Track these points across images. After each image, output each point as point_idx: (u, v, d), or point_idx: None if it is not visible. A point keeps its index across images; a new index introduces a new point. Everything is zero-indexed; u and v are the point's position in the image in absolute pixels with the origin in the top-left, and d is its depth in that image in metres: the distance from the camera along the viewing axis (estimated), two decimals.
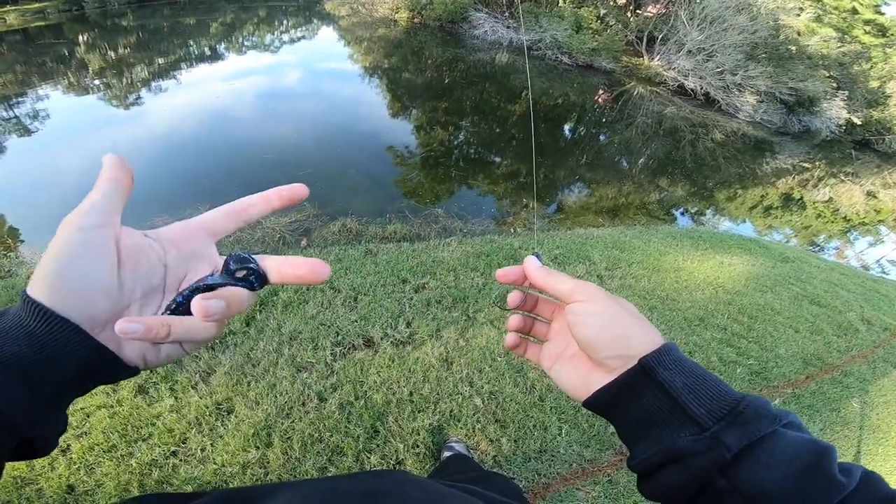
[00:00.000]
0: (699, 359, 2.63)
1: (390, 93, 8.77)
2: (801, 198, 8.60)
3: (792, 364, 2.87)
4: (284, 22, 16.39)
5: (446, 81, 10.01)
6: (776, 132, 12.33)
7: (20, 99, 6.91)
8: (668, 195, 6.68)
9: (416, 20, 14.39)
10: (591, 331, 0.40)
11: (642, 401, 0.38)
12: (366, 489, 0.43)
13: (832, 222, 7.96)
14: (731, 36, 12.18)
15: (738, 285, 3.67)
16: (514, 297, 0.48)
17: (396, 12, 14.75)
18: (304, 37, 14.30)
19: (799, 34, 12.77)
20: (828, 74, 13.11)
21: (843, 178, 10.63)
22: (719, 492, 0.34)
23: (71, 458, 1.57)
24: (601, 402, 0.41)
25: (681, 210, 6.38)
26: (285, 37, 14.05)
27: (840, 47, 13.08)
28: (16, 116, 6.30)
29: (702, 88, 12.58)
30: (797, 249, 5.84)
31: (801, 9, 12.91)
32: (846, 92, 13.21)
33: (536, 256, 0.47)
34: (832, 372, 2.92)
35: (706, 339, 2.83)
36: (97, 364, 0.31)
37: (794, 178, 9.52)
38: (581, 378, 0.43)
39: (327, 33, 15.13)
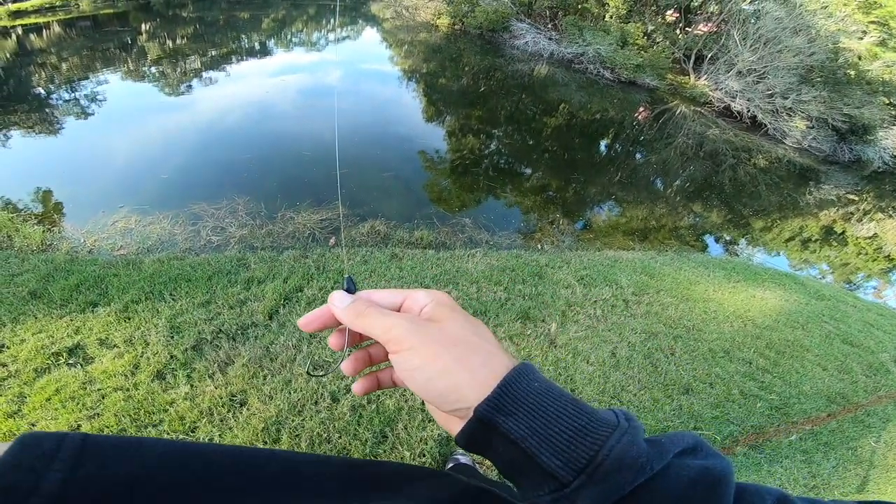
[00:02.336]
0: (719, 391, 2.56)
1: (426, 97, 8.86)
2: (843, 232, 8.16)
3: (815, 401, 2.80)
4: (332, 21, 16.82)
5: (482, 89, 10.02)
6: (824, 160, 11.74)
7: (82, 82, 7.35)
8: (702, 221, 6.48)
9: (456, 27, 14.49)
10: (419, 387, 0.35)
11: (497, 452, 0.33)
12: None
13: (874, 260, 7.51)
14: (786, 58, 11.70)
15: (769, 320, 3.56)
16: (333, 340, 0.41)
17: (438, 18, 14.89)
18: (349, 36, 14.64)
19: (860, 58, 12.13)
20: (888, 101, 12.40)
21: (891, 212, 10.01)
22: None
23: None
24: (468, 449, 0.35)
25: (714, 237, 6.17)
26: (331, 36, 14.42)
27: None
28: (76, 99, 6.70)
29: (749, 111, 12.13)
30: (833, 287, 5.56)
31: (864, 32, 12.26)
32: None
33: (349, 281, 0.40)
34: (855, 411, 2.84)
35: (729, 372, 2.79)
36: None
37: (837, 210, 9.03)
38: (440, 417, 0.38)
39: (371, 34, 15.43)
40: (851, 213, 9.16)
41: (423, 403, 1.99)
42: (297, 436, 1.76)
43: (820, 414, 2.70)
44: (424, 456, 1.79)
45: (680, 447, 0.30)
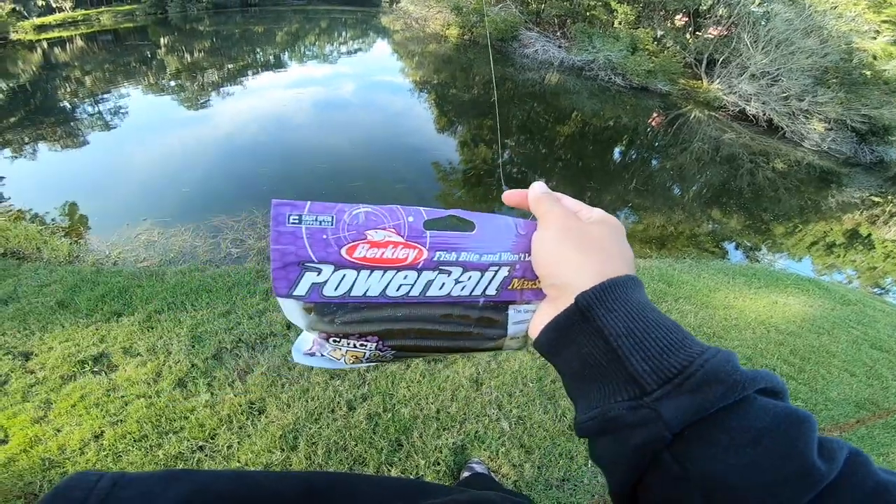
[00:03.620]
0: None
1: (437, 108, 8.94)
2: (869, 235, 7.95)
3: (843, 407, 2.71)
4: (343, 33, 17.14)
5: (493, 99, 10.08)
6: (845, 163, 11.49)
7: (105, 96, 7.59)
8: (721, 227, 6.38)
9: (465, 37, 14.63)
10: (539, 259, 0.36)
11: (581, 349, 0.32)
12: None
13: None
14: (799, 60, 11.54)
15: (793, 326, 3.47)
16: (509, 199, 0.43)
17: (447, 29, 15.06)
18: (360, 49, 14.88)
19: (875, 58, 11.91)
20: None
21: None
22: (670, 476, 0.27)
23: (102, 444, 1.65)
24: (545, 346, 0.35)
25: (734, 244, 6.06)
26: (343, 48, 14.67)
27: None
28: (99, 112, 6.92)
29: (764, 114, 11.97)
30: (860, 292, 5.41)
31: (877, 31, 12.05)
32: None
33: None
34: (886, 417, 2.74)
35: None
36: None
37: (861, 213, 8.81)
38: (536, 313, 0.38)
39: (382, 46, 15.67)
40: (877, 216, 8.93)
41: (437, 412, 1.99)
42: (313, 443, 1.77)
43: (849, 420, 2.61)
44: (439, 464, 1.78)
45: (769, 384, 0.28)
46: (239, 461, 1.66)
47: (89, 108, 7.06)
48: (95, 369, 1.98)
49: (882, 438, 2.55)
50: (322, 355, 0.37)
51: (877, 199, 9.81)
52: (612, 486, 0.31)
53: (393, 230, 0.33)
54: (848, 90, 11.73)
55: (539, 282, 0.38)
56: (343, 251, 0.32)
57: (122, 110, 7.04)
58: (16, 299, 2.42)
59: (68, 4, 13.53)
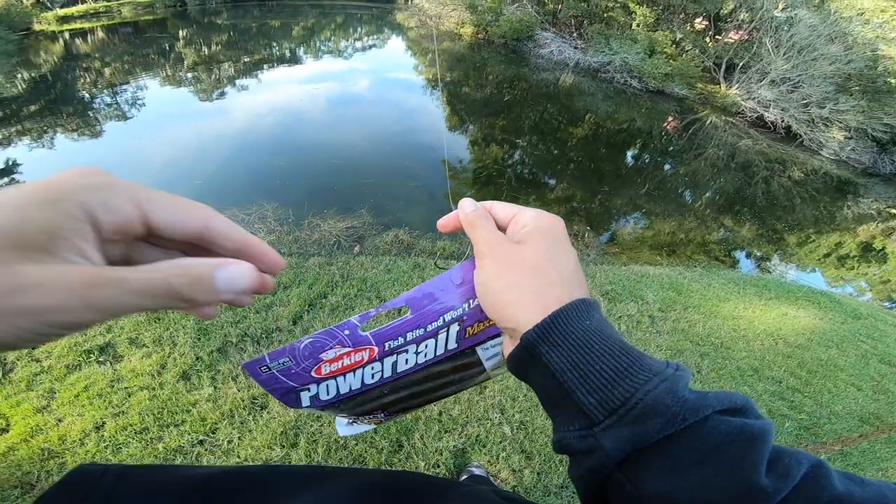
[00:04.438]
0: None
1: (450, 106, 8.92)
2: (884, 248, 7.77)
3: (847, 421, 2.71)
4: (359, 29, 17.18)
5: (506, 99, 10.02)
6: (863, 172, 11.24)
7: (124, 87, 7.70)
8: (733, 235, 6.28)
9: (480, 35, 14.57)
10: (482, 301, 0.36)
11: (536, 381, 0.33)
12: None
13: None
14: (822, 66, 11.30)
15: (802, 339, 3.44)
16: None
17: (462, 27, 15.01)
18: (374, 45, 14.91)
19: None
20: None
21: None
22: (626, 495, 0.28)
23: (103, 434, 1.67)
24: (515, 374, 0.36)
25: (745, 253, 5.97)
26: (358, 44, 14.71)
27: None
28: (117, 103, 7.02)
29: (783, 121, 11.74)
30: (872, 305, 5.32)
31: None
32: None
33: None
34: (888, 431, 2.74)
35: (758, 391, 2.73)
36: None
37: (878, 225, 8.62)
38: (504, 341, 0.40)
39: (396, 43, 15.67)
40: (893, 228, 8.73)
41: (439, 414, 1.99)
42: (314, 441, 1.78)
43: (851, 434, 2.62)
44: (439, 467, 1.79)
45: (725, 405, 0.29)
46: (239, 457, 1.68)
47: (107, 99, 7.17)
48: (101, 359, 2.01)
49: (882, 453, 2.55)
50: (357, 424, 0.49)
51: (894, 212, 9.59)
52: (581, 499, 0.33)
53: (338, 345, 0.39)
54: (871, 98, 11.46)
55: (491, 320, 0.39)
56: (313, 373, 0.40)
57: (140, 101, 7.14)
58: None
59: None
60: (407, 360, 0.41)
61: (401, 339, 0.40)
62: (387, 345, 0.40)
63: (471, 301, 0.39)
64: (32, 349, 2.06)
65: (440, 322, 0.39)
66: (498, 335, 0.41)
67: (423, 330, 0.39)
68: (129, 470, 0.36)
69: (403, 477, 0.53)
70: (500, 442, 1.93)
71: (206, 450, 1.69)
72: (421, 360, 0.41)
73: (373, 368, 0.40)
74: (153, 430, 1.71)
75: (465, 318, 0.40)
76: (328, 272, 2.91)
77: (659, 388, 0.28)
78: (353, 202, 4.29)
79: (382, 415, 0.46)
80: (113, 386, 1.87)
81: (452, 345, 0.40)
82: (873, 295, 6.32)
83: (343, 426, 0.49)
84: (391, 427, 1.87)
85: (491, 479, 1.78)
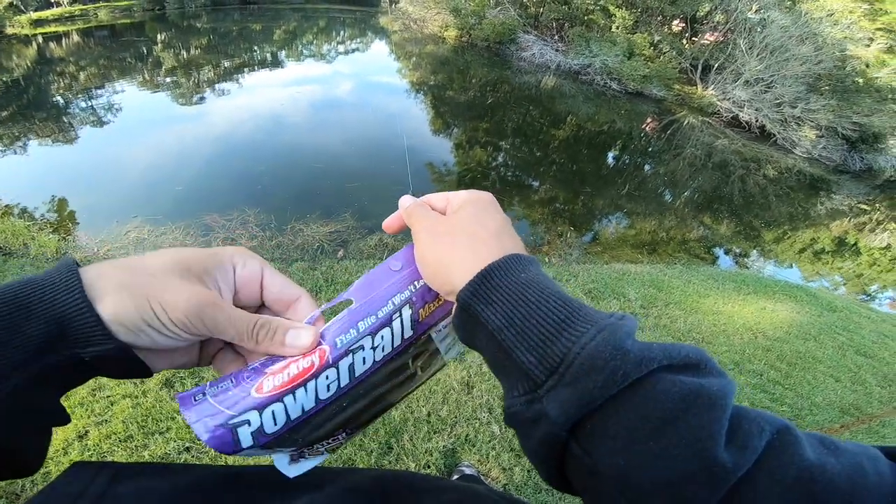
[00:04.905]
0: None
1: (434, 109, 8.95)
2: (856, 243, 8.05)
3: (828, 412, 2.78)
4: (342, 33, 17.11)
5: (489, 102, 10.10)
6: (834, 170, 11.65)
7: (99, 92, 7.53)
8: (711, 233, 6.44)
9: (464, 39, 14.66)
10: (422, 273, 0.36)
11: (482, 346, 0.31)
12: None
13: (889, 271, 7.39)
14: (793, 66, 11.68)
15: (780, 332, 3.53)
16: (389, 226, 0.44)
17: (445, 30, 15.08)
18: (357, 49, 14.86)
19: (868, 66, 12.07)
20: None
21: None
22: (584, 469, 0.25)
23: (87, 444, 1.64)
24: (464, 342, 0.34)
25: (724, 250, 6.13)
26: (341, 48, 14.65)
27: None
28: (92, 108, 6.86)
29: (757, 121, 12.09)
30: (846, 298, 5.50)
31: (871, 39, 12.21)
32: None
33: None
34: (869, 422, 2.81)
35: (739, 384, 2.78)
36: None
37: (849, 220, 8.93)
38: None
39: (380, 47, 15.65)
40: (864, 224, 9.05)
41: (428, 415, 1.99)
42: None
43: (833, 425, 2.67)
44: (430, 467, 1.79)
45: (674, 359, 0.25)
46: (226, 462, 1.66)
47: (82, 104, 7.00)
48: None
49: (865, 443, 2.59)
50: (305, 458, 0.39)
51: (864, 207, 9.95)
52: (540, 475, 0.29)
53: (274, 362, 0.34)
54: (840, 97, 11.89)
55: (440, 298, 0.38)
56: (253, 392, 0.32)
57: (116, 106, 6.98)
58: None
59: None
60: (364, 358, 0.35)
61: (353, 332, 0.35)
62: (338, 341, 0.35)
63: (416, 283, 0.38)
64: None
65: (390, 306, 0.37)
66: (447, 315, 0.39)
67: (374, 317, 0.36)
68: (123, 469, 0.36)
69: (399, 476, 0.53)
70: (490, 441, 1.95)
71: (192, 457, 1.67)
72: (379, 355, 0.36)
73: (327, 378, 0.34)
74: (138, 438, 1.69)
75: (414, 299, 0.37)
76: (312, 277, 2.89)
77: (596, 340, 0.25)
78: (336, 206, 4.27)
79: (343, 435, 0.38)
80: (94, 395, 1.83)
81: (409, 332, 0.37)
82: (847, 288, 6.54)
83: (285, 465, 0.37)
84: (380, 429, 1.88)
85: (482, 478, 1.80)
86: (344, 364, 0.35)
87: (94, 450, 1.62)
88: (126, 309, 0.28)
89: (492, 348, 0.29)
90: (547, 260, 4.29)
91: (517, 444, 1.96)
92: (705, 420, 0.23)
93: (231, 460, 1.66)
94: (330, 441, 0.37)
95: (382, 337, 0.36)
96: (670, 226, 6.12)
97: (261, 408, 0.32)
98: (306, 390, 0.34)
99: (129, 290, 0.28)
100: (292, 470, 0.38)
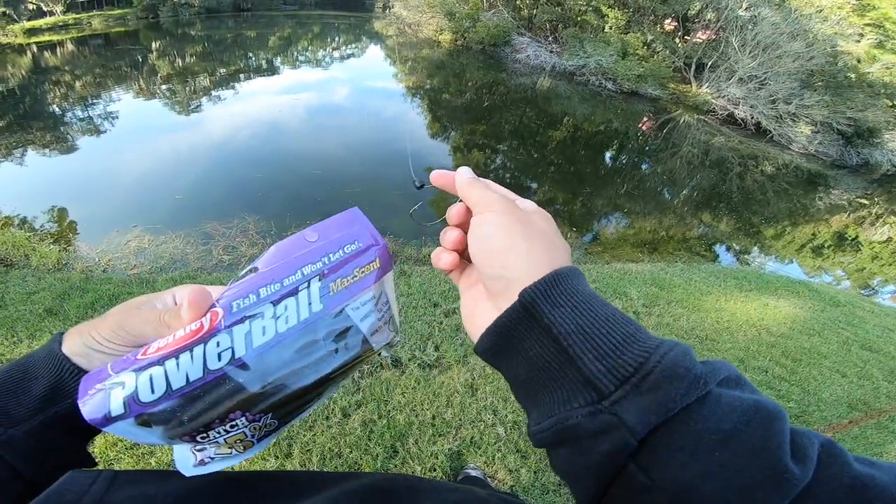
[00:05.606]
0: None
1: (431, 113, 8.97)
2: (856, 237, 8.07)
3: (835, 408, 2.73)
4: (336, 38, 17.16)
5: (486, 104, 10.13)
6: (832, 165, 11.70)
7: (96, 101, 7.53)
8: (711, 230, 6.45)
9: (458, 42, 14.72)
10: (476, 244, 0.34)
11: (529, 351, 0.29)
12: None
13: (890, 265, 7.41)
14: (786, 63, 11.76)
15: (784, 328, 3.51)
16: (454, 210, 0.39)
17: (440, 34, 15.14)
18: (353, 54, 14.90)
19: (859, 61, 12.15)
20: (891, 104, 12.35)
21: None
22: (635, 488, 0.24)
23: (93, 451, 1.61)
24: (489, 350, 0.32)
25: (724, 247, 6.14)
26: (336, 53, 14.68)
27: None
28: (89, 117, 6.86)
29: (753, 118, 12.16)
30: (849, 293, 5.49)
31: (861, 34, 12.29)
32: None
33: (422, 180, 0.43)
34: (878, 417, 2.77)
35: None
36: None
37: (849, 215, 8.96)
38: (470, 310, 0.36)
39: (375, 52, 15.70)
40: (863, 218, 9.08)
41: (433, 418, 1.98)
42: (308, 451, 1.75)
43: (841, 421, 2.63)
44: (435, 470, 1.78)
45: (727, 373, 0.26)
46: (232, 468, 1.64)
47: (79, 113, 7.00)
48: None
49: (875, 439, 2.57)
50: (211, 458, 0.34)
51: (863, 202, 9.98)
52: (582, 497, 0.28)
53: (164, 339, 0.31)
54: (833, 93, 11.96)
55: (358, 273, 0.36)
56: (139, 356, 0.30)
57: (113, 115, 6.99)
58: (3, 307, 2.39)
59: (59, 8, 13.42)
60: (265, 328, 0.31)
61: (252, 297, 0.32)
62: (234, 305, 0.31)
63: (330, 255, 0.35)
64: None
65: (299, 276, 0.34)
66: (368, 289, 0.36)
67: (279, 285, 0.33)
68: (121, 475, 0.35)
69: (400, 479, 0.52)
70: (495, 443, 1.94)
71: None
72: (283, 327, 0.31)
73: (218, 344, 0.30)
74: (144, 446, 1.68)
75: (325, 272, 0.34)
76: None
77: (675, 351, 0.25)
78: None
79: (244, 420, 0.32)
80: None
81: (318, 305, 0.33)
82: (851, 283, 6.54)
83: (188, 465, 0.34)
84: (385, 433, 1.86)
85: (488, 480, 1.78)
86: (240, 331, 0.30)
87: (101, 457, 1.61)
88: (75, 344, 0.36)
89: (545, 356, 0.28)
90: None
91: (523, 445, 1.95)
92: (772, 430, 0.23)
93: (235, 467, 1.64)
94: (228, 428, 0.31)
95: (286, 307, 0.32)
96: (670, 224, 6.13)
97: (139, 370, 0.28)
98: (192, 356, 0.29)
99: (79, 333, 0.36)
100: (195, 471, 0.34)
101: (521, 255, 0.31)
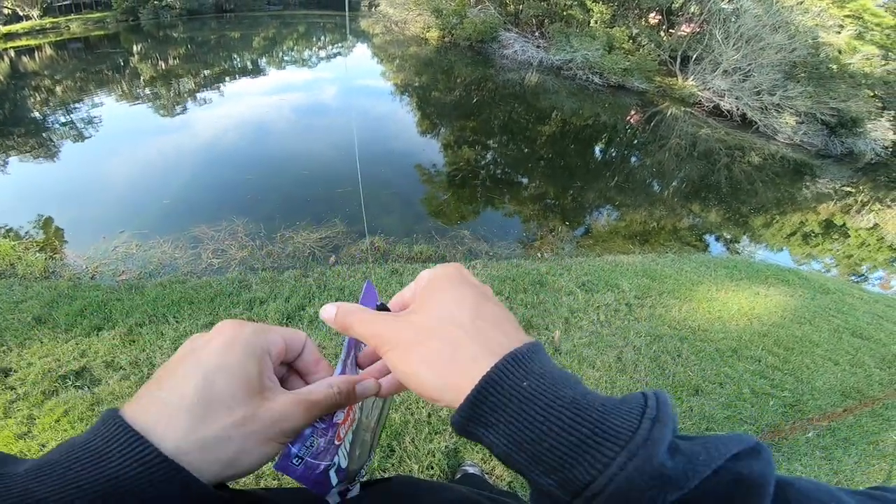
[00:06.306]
0: (729, 391, 2.53)
1: (420, 111, 8.94)
2: (844, 225, 8.20)
3: (829, 397, 2.75)
4: (322, 38, 17.02)
5: (475, 100, 10.12)
6: (817, 155, 11.87)
7: (77, 105, 7.39)
8: (701, 221, 6.51)
9: (446, 39, 14.68)
10: (416, 388, 0.30)
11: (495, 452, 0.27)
12: None
13: (877, 251, 7.53)
14: (769, 55, 11.89)
15: (775, 317, 3.54)
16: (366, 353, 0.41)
17: (427, 31, 15.09)
18: (339, 53, 14.79)
19: (840, 52, 12.32)
20: (872, 94, 12.55)
21: (889, 203, 10.07)
22: None
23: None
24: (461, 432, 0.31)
25: (715, 237, 6.20)
26: (322, 52, 14.56)
27: (884, 65, 12.45)
28: (72, 122, 6.73)
29: (738, 109, 12.29)
30: (838, 280, 5.56)
31: (841, 26, 12.47)
32: (893, 112, 12.61)
33: (368, 286, 0.43)
34: (872, 405, 2.79)
35: (738, 371, 2.75)
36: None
37: (835, 203, 9.10)
38: None
39: (362, 50, 15.59)
40: (850, 206, 9.23)
41: (428, 416, 1.98)
42: None
43: (835, 409, 2.64)
44: (433, 468, 1.78)
45: (738, 448, 0.24)
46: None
47: (61, 118, 6.86)
48: (77, 384, 1.95)
49: (870, 427, 2.58)
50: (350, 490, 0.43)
51: (849, 190, 10.15)
52: None
53: (342, 412, 0.38)
54: (816, 84, 12.12)
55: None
56: (336, 442, 0.37)
57: (96, 120, 6.86)
58: None
59: (36, 13, 13.14)
60: (370, 406, 0.45)
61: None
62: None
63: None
64: (5, 376, 1.98)
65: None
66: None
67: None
68: None
69: (395, 482, 0.52)
70: None
71: None
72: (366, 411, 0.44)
73: (360, 410, 0.42)
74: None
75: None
76: (304, 284, 2.86)
77: (628, 469, 0.22)
78: (325, 213, 4.24)
79: (371, 455, 0.45)
80: (94, 409, 1.80)
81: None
82: (839, 270, 6.63)
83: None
84: (381, 432, 1.86)
85: (486, 476, 1.78)
86: (366, 405, 0.43)
87: None
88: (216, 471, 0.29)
89: (505, 461, 0.26)
90: (540, 255, 4.30)
91: None
92: None
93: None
94: (365, 466, 0.43)
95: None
96: (660, 216, 6.17)
97: (336, 451, 0.37)
98: (352, 429, 0.40)
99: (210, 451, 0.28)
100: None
101: (434, 388, 0.28)
